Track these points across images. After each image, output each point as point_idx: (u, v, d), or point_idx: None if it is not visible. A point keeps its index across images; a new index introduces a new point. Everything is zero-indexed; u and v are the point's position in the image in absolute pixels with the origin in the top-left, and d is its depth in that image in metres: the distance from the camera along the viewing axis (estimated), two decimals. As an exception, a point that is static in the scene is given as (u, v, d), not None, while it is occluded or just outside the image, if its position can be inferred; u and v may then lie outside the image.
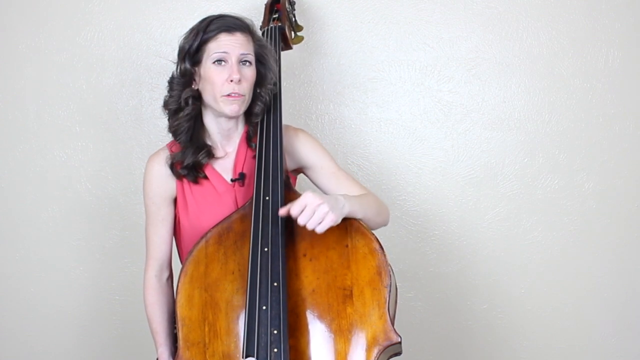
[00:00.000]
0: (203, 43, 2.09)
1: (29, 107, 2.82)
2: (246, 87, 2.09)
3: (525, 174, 2.82)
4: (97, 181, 2.83)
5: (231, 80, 2.06)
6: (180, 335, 1.98)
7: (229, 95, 2.07)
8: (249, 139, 2.19)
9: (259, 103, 2.15)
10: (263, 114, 2.17)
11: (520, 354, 2.89)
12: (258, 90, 2.15)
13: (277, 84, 2.22)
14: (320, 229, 1.88)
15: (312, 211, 1.88)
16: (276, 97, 2.21)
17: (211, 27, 2.08)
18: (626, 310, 2.88)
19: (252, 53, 2.12)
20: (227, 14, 2.14)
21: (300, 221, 1.88)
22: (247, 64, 2.10)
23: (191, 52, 2.10)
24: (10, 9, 2.79)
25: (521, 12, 2.77)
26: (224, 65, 2.08)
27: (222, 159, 2.19)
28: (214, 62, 2.08)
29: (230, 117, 2.13)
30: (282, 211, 1.94)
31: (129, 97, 2.80)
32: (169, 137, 2.23)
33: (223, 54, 2.07)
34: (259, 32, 2.21)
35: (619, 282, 2.86)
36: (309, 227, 1.88)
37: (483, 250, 2.85)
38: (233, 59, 2.07)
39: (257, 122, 2.17)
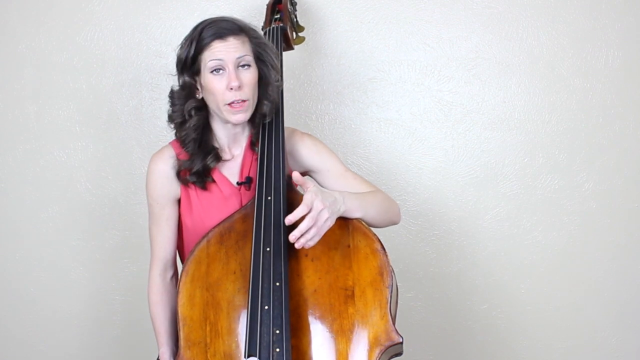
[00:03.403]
0: (198, 53, 2.06)
1: (29, 107, 2.81)
2: (248, 92, 2.06)
3: (525, 174, 2.82)
4: (97, 181, 2.83)
5: (231, 88, 2.04)
6: (181, 335, 1.97)
7: (231, 104, 2.05)
8: (252, 144, 2.17)
9: (267, 102, 2.13)
10: (273, 113, 2.15)
11: (520, 353, 2.90)
12: (263, 90, 2.12)
13: (281, 79, 2.20)
14: (310, 244, 1.88)
15: (313, 218, 1.86)
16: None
17: (203, 35, 2.05)
18: (626, 310, 2.88)
19: (250, 54, 2.08)
20: (219, 17, 2.10)
21: (292, 237, 1.87)
22: (246, 67, 2.07)
23: (188, 64, 2.08)
24: (10, 9, 2.79)
25: (521, 12, 2.77)
26: (222, 73, 2.05)
27: (229, 162, 2.18)
28: (211, 72, 2.05)
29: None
30: (287, 221, 1.88)
31: (129, 97, 2.80)
32: (169, 137, 2.23)
33: (219, 62, 2.04)
34: (257, 31, 2.16)
35: (619, 282, 2.87)
36: (302, 241, 1.87)
37: (483, 250, 2.86)
38: (230, 66, 2.04)
39: (260, 124, 2.16)
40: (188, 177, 2.13)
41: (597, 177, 2.82)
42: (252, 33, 2.12)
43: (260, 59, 2.11)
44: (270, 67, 2.13)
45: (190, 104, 2.11)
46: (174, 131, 2.16)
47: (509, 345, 2.90)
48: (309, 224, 1.86)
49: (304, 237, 1.87)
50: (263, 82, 2.12)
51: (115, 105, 2.80)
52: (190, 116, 2.12)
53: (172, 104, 2.14)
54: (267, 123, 2.15)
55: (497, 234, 2.85)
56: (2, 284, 2.90)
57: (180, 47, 2.10)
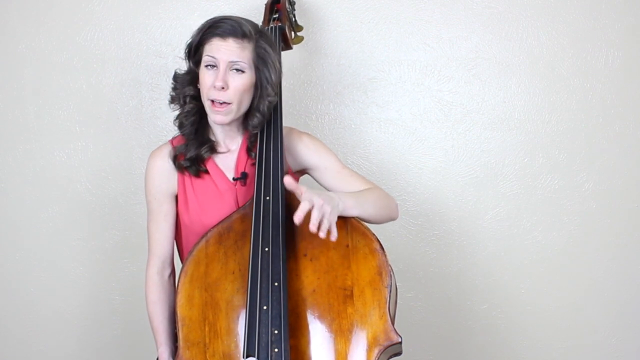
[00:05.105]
0: (200, 44, 2.10)
1: (29, 107, 2.81)
2: (232, 95, 2.06)
3: (525, 174, 2.82)
4: (97, 181, 2.83)
5: (214, 87, 2.05)
6: (180, 335, 1.98)
7: (212, 101, 2.07)
8: (248, 149, 2.18)
9: (257, 114, 2.12)
10: (262, 126, 2.14)
11: (520, 353, 2.89)
12: (256, 101, 2.12)
13: (279, 93, 2.19)
14: (334, 233, 1.87)
15: (320, 209, 1.85)
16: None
17: (210, 29, 2.08)
18: (626, 310, 2.88)
19: (246, 61, 2.07)
20: (231, 17, 2.10)
21: (312, 227, 1.85)
22: (239, 72, 2.07)
23: (192, 52, 2.12)
24: (10, 9, 2.79)
25: (521, 12, 2.77)
26: (214, 70, 2.07)
27: (224, 155, 2.19)
28: (205, 66, 2.08)
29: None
30: (297, 218, 1.85)
31: (129, 97, 2.80)
32: (168, 137, 2.24)
33: (212, 59, 2.06)
34: (267, 42, 2.12)
35: (619, 282, 2.86)
36: (322, 232, 1.85)
37: (483, 250, 2.85)
38: (222, 66, 2.05)
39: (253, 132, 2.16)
40: (182, 161, 2.15)
41: (597, 177, 2.81)
42: (259, 42, 2.10)
43: (258, 69, 2.10)
44: (266, 81, 2.11)
45: (189, 90, 2.14)
46: (177, 112, 2.19)
47: (509, 345, 2.89)
48: (319, 215, 1.85)
49: (321, 230, 1.85)
50: (257, 94, 2.12)
51: (115, 105, 2.81)
52: (185, 102, 2.15)
53: (174, 87, 2.17)
54: (264, 123, 2.15)
55: (497, 234, 2.85)
56: (2, 284, 2.90)
57: (192, 35, 2.13)
